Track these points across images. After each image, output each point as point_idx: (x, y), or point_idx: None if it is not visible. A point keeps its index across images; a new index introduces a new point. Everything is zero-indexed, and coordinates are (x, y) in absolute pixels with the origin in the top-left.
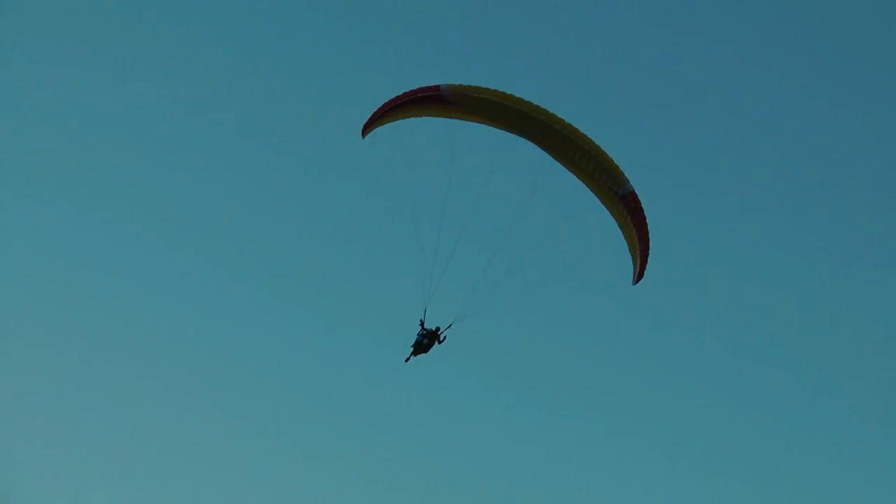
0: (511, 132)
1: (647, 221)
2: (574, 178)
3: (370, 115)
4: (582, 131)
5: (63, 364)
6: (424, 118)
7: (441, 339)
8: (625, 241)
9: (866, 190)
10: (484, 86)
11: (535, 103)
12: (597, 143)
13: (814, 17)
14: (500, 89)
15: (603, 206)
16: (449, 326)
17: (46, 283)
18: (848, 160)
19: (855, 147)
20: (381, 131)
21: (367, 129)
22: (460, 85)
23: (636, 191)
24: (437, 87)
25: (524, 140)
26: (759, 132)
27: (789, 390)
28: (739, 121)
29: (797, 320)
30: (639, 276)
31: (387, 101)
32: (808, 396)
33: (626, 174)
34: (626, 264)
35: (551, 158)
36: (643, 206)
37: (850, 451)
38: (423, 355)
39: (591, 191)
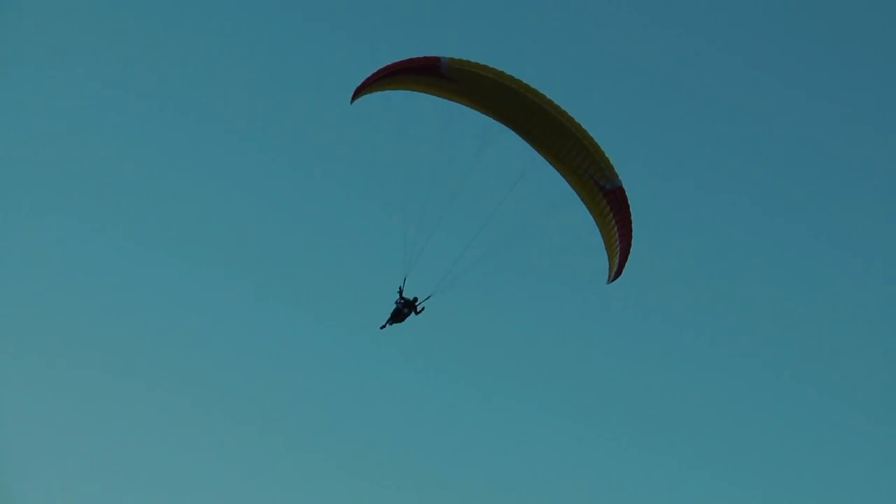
0: (501, 119)
1: (632, 219)
2: (556, 173)
3: (364, 79)
4: (577, 121)
5: (56, 367)
6: (417, 94)
7: (419, 310)
8: (601, 238)
9: (859, 188)
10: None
11: (533, 87)
12: (591, 134)
13: (813, 17)
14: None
15: (580, 201)
16: (427, 298)
17: (40, 287)
18: (837, 158)
19: (846, 146)
20: (371, 98)
21: (358, 93)
22: (460, 59)
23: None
24: (436, 59)
25: (512, 133)
26: (741, 126)
27: (770, 385)
28: (722, 115)
29: (778, 316)
30: (616, 274)
31: (382, 67)
32: (793, 393)
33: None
34: (600, 261)
35: (536, 153)
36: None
37: (841, 449)
38: (398, 325)
39: (572, 184)
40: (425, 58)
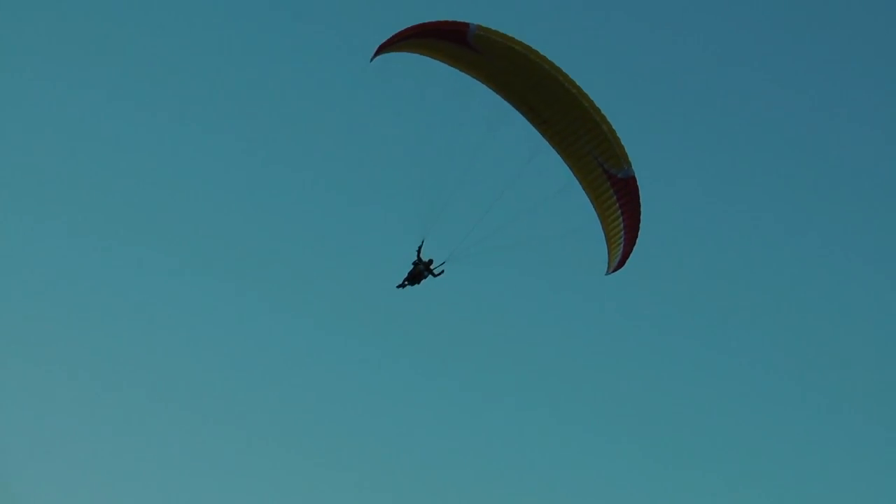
0: (516, 100)
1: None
2: (556, 157)
3: (387, 38)
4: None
5: (51, 372)
6: (437, 63)
7: (437, 272)
8: (600, 228)
9: (859, 190)
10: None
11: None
12: (609, 120)
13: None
14: None
15: (582, 189)
16: (443, 263)
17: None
18: (837, 159)
19: (847, 147)
20: (391, 57)
21: (379, 51)
22: (489, 28)
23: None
24: (465, 25)
25: (519, 115)
26: (731, 127)
27: (766, 388)
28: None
29: (776, 316)
30: (618, 265)
31: (408, 28)
32: (789, 394)
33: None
34: (599, 251)
35: (539, 136)
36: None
37: (835, 449)
38: (415, 286)
39: (575, 169)
40: (454, 22)
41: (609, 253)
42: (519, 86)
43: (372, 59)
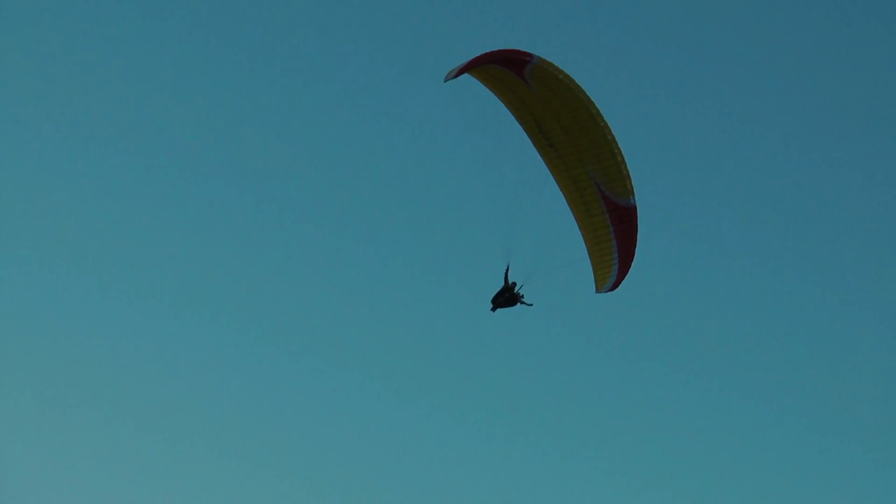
0: (533, 126)
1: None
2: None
3: (464, 63)
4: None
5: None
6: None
7: (521, 297)
8: (587, 251)
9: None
10: None
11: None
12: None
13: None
14: None
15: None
16: (521, 287)
17: None
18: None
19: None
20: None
21: (457, 73)
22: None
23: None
24: (529, 55)
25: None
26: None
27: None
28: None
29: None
30: (614, 285)
31: (481, 55)
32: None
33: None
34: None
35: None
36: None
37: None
38: (509, 308)
39: (573, 192)
40: (519, 51)
41: (595, 271)
42: (550, 115)
43: (446, 80)
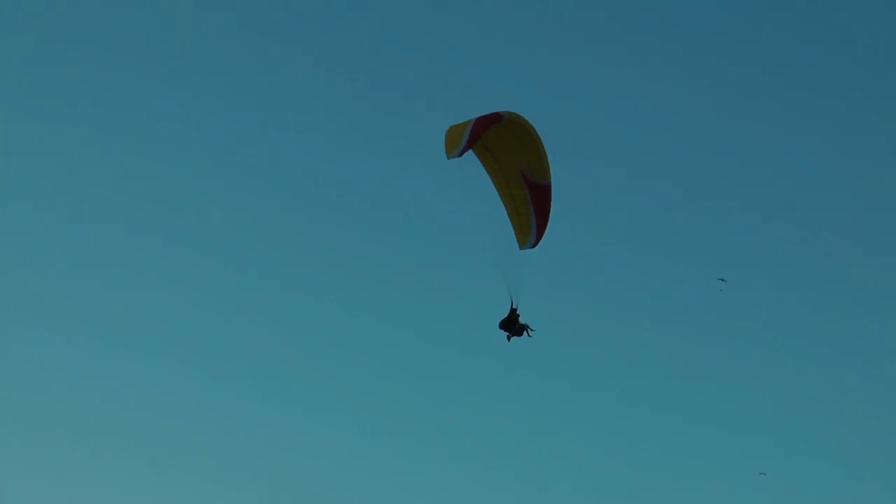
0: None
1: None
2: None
3: (463, 136)
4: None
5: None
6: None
7: (528, 328)
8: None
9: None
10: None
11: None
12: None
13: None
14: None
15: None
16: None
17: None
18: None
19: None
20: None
21: (462, 150)
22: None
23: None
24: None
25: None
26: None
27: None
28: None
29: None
30: (535, 242)
31: (473, 127)
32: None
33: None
34: None
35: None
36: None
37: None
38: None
39: (502, 179)
40: (496, 113)
41: (517, 233)
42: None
43: (450, 157)
